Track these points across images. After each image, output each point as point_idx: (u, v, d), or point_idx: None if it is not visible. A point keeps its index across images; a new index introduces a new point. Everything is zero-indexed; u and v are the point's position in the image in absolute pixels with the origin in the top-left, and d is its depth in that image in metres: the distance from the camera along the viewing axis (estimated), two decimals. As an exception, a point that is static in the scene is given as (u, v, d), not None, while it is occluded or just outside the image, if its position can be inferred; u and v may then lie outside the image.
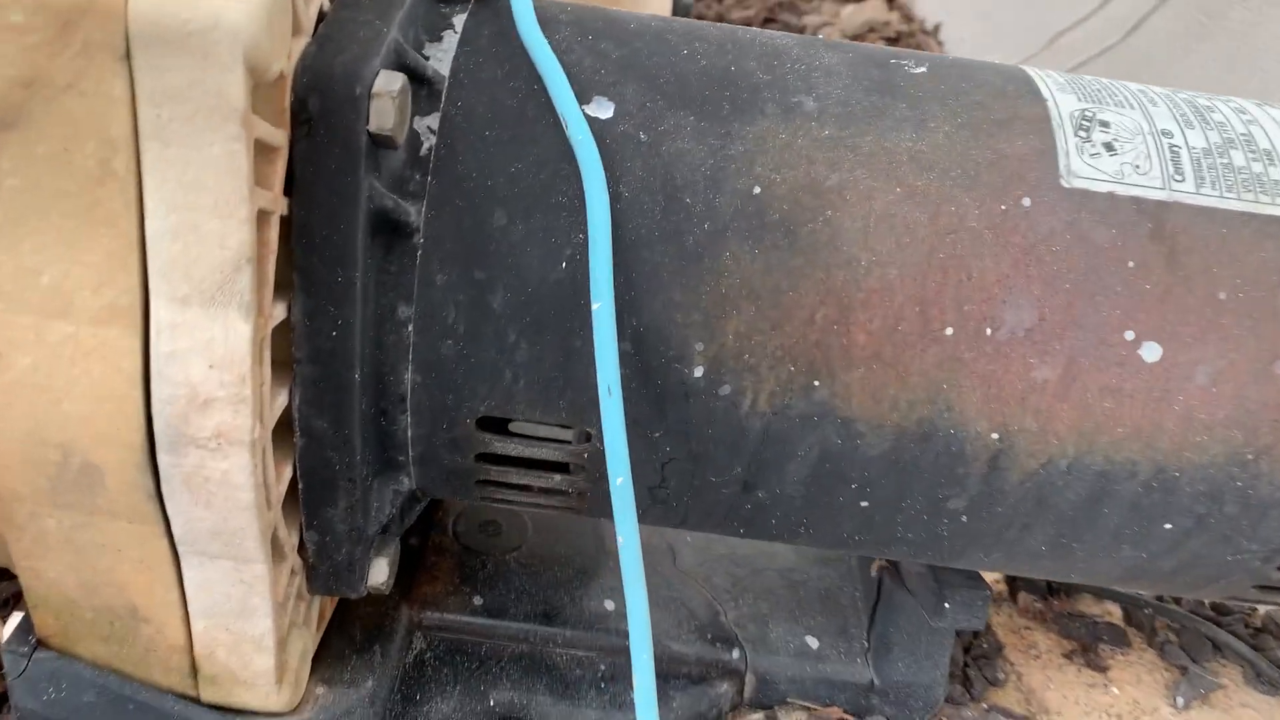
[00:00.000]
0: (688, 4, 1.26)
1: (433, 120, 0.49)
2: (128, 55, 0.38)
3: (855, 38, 1.99)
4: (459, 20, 0.52)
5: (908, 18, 2.12)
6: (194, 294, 0.42)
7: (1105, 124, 0.52)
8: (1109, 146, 0.51)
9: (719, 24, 0.56)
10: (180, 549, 0.48)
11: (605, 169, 0.48)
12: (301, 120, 0.43)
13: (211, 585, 0.50)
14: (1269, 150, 0.52)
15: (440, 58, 0.50)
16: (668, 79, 0.51)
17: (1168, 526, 0.52)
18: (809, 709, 0.66)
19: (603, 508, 0.56)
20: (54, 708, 0.53)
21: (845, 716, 0.66)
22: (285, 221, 0.45)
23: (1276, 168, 0.51)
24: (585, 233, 0.48)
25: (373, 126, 0.43)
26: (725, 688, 0.66)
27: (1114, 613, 0.79)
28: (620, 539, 0.47)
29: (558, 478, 0.54)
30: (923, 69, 0.54)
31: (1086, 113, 0.52)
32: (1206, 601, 0.81)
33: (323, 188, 0.44)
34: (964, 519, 0.53)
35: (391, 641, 0.63)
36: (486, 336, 0.49)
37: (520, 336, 0.49)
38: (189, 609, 0.51)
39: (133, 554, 0.49)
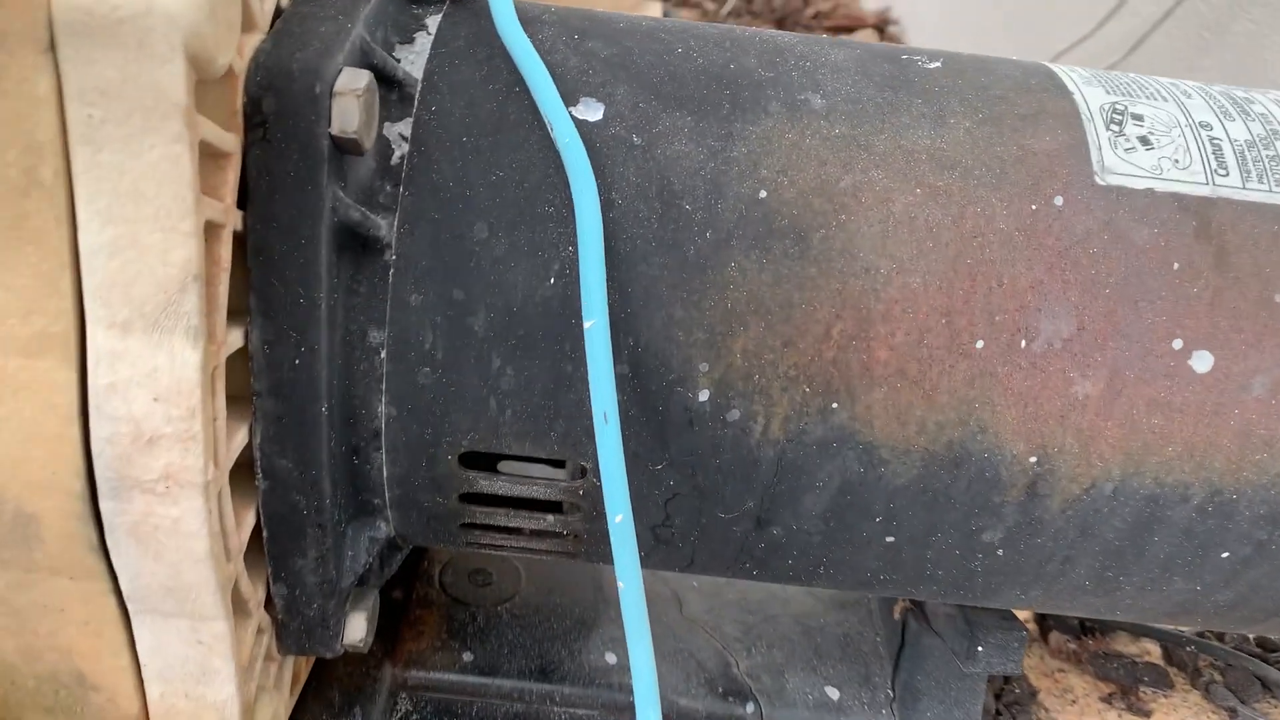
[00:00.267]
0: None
1: (404, 126, 0.44)
2: (52, 47, 0.34)
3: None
4: (433, 21, 0.48)
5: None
6: (135, 318, 0.37)
7: (1139, 117, 0.48)
8: (1144, 140, 0.47)
9: (714, 24, 0.52)
10: (130, 607, 0.43)
11: (596, 175, 0.43)
12: (255, 123, 0.39)
13: (166, 647, 0.44)
14: (1317, 141, 0.48)
15: (412, 60, 0.46)
16: (662, 78, 0.47)
17: (1224, 555, 0.47)
18: (831, 767, 0.60)
19: (601, 550, 0.51)
20: (-5, 790, 0.48)
21: (871, 774, 0.61)
22: (240, 237, 0.40)
23: (1327, 158, 0.47)
24: (575, 245, 0.43)
25: (335, 129, 0.39)
26: (740, 745, 0.60)
27: (1153, 651, 0.74)
28: (621, 584, 0.42)
29: (551, 518, 0.49)
30: (937, 64, 0.50)
31: (1118, 106, 0.48)
32: (1251, 637, 0.75)
33: (281, 198, 0.39)
34: (1000, 553, 0.48)
35: (373, 704, 0.58)
36: (468, 362, 0.44)
37: (505, 361, 0.44)
38: (142, 674, 0.45)
39: (77, 614, 0.43)
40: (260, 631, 0.49)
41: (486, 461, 0.47)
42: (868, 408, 0.45)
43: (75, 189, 0.36)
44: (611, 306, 0.43)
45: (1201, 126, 0.48)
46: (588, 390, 0.43)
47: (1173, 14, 1.22)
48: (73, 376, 0.38)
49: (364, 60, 0.42)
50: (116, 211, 0.36)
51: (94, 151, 0.35)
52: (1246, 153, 0.47)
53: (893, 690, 0.62)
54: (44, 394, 0.38)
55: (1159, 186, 0.45)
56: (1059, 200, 0.45)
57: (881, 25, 2.18)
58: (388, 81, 0.44)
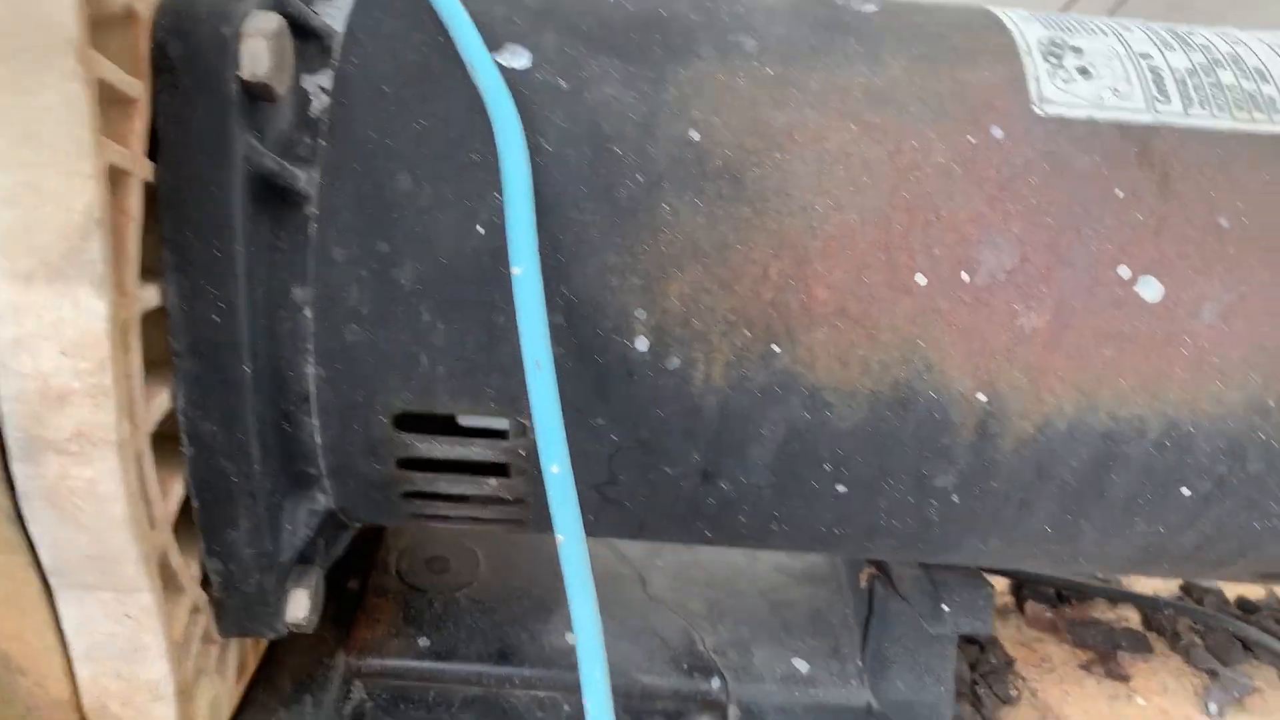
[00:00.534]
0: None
1: (324, 78, 0.43)
2: (-65, -19, 0.33)
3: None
4: (356, -23, 0.47)
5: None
6: (38, 267, 0.36)
7: (1078, 50, 0.47)
8: (1083, 71, 0.46)
9: (646, -26, 0.51)
10: (52, 581, 0.41)
11: (522, 121, 0.42)
12: (162, 68, 0.38)
13: (92, 623, 0.43)
14: (1259, 69, 0.47)
15: (333, 14, 0.45)
16: (590, 24, 0.46)
17: (1185, 492, 0.46)
18: (802, 741, 0.59)
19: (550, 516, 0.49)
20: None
21: (843, 747, 0.59)
22: (152, 190, 0.39)
23: (1269, 85, 0.46)
24: (502, 192, 0.42)
25: (245, 73, 0.38)
26: (706, 722, 0.59)
27: (1132, 618, 0.72)
28: (561, 537, 0.41)
29: (494, 482, 0.47)
30: (872, 7, 0.49)
31: (1056, 39, 0.47)
32: (1232, 599, 0.74)
33: (191, 146, 0.38)
34: (955, 499, 0.46)
35: (325, 692, 0.56)
36: (396, 318, 0.43)
37: (435, 316, 0.43)
38: (70, 653, 0.44)
39: (-3, 591, 0.42)
40: (196, 610, 0.47)
41: (423, 423, 0.46)
42: (809, 350, 0.43)
43: (-32, 134, 0.34)
44: (542, 255, 0.42)
45: (1141, 57, 0.47)
46: (522, 340, 0.41)
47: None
48: (-24, 333, 0.36)
49: (278, 6, 0.41)
50: (12, 156, 0.34)
51: (-15, 93, 0.34)
52: (1188, 80, 0.46)
53: (862, 660, 0.61)
54: (-54, 353, 0.37)
55: (1099, 115, 0.44)
56: (997, 132, 0.44)
57: None
58: (305, 33, 0.43)
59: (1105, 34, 0.48)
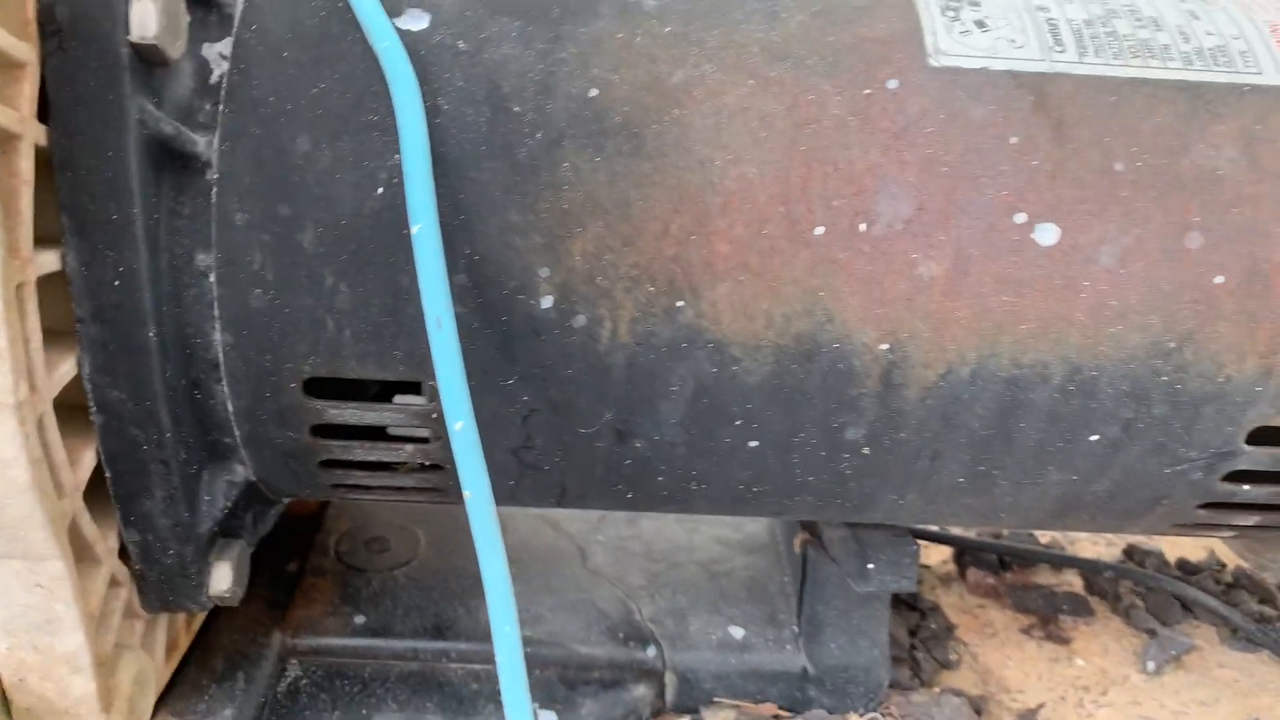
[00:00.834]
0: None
1: (224, 46, 0.44)
2: None
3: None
4: (259, -51, 0.47)
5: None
6: (-76, 230, 0.36)
7: (975, 4, 0.47)
8: (980, 24, 0.46)
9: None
10: (-40, 552, 0.42)
11: (421, 82, 0.43)
12: (50, 31, 0.38)
13: (8, 593, 0.43)
14: (1155, 17, 0.48)
15: (234, -16, 0.45)
16: (491, -11, 0.46)
17: (1094, 438, 0.46)
18: (739, 707, 0.59)
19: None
20: None
21: (780, 713, 0.59)
22: (47, 154, 0.39)
23: (1164, 32, 0.47)
24: (400, 151, 0.42)
25: (134, 35, 0.38)
26: (643, 690, 0.59)
27: (1074, 582, 0.73)
28: (468, 493, 0.41)
29: (410, 448, 0.48)
30: (775, -33, 0.49)
31: (954, -6, 0.48)
32: (1173, 561, 0.74)
33: (83, 110, 0.38)
34: (866, 451, 0.47)
35: (259, 669, 0.56)
36: (300, 282, 0.43)
37: (339, 278, 0.43)
38: (-15, 626, 0.44)
39: (-94, 564, 0.42)
40: (116, 584, 0.47)
41: (335, 389, 0.46)
42: (713, 304, 0.44)
43: None
44: (444, 214, 0.42)
45: (1039, 9, 0.47)
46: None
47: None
48: None
49: (172, -24, 0.41)
50: (-105, 117, 0.35)
51: None
52: (1084, 30, 0.47)
53: (798, 625, 0.61)
54: None
55: (995, 65, 0.45)
56: (893, 84, 0.44)
57: None
58: (207, 2, 0.43)
59: (1005, -11, 0.49)
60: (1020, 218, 0.43)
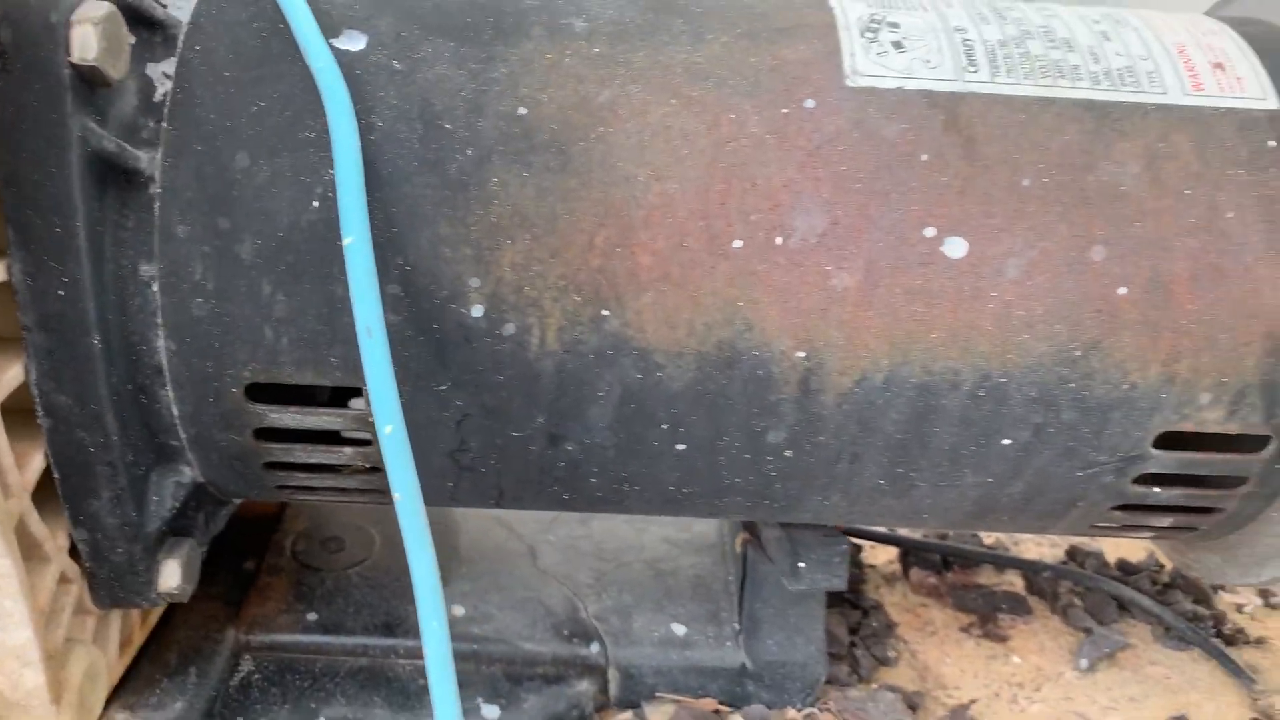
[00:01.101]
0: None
1: (168, 65, 0.46)
2: None
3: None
4: (206, -30, 0.49)
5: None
6: None
7: (895, 25, 0.49)
8: (898, 45, 0.48)
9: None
10: (-86, 548, 0.43)
11: (356, 100, 0.44)
12: (-6, 54, 0.40)
13: (-44, 590, 0.45)
14: (1068, 39, 0.50)
15: (180, 4, 0.47)
16: (427, 10, 0.48)
17: (1006, 442, 0.48)
18: (679, 702, 0.61)
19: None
20: None
21: (720, 708, 0.61)
22: (-9, 171, 0.41)
23: (1075, 53, 0.49)
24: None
25: (75, 57, 0.40)
26: (586, 685, 0.61)
27: (1016, 583, 0.75)
28: (397, 495, 0.43)
29: (349, 451, 0.50)
30: (706, -11, 0.51)
31: (875, 16, 0.50)
32: (1113, 562, 0.76)
33: (27, 128, 0.40)
34: (788, 454, 0.49)
35: (212, 664, 0.58)
36: (239, 291, 0.45)
37: (276, 288, 0.45)
38: (-63, 622, 0.45)
39: None
40: (67, 581, 0.49)
41: (276, 394, 0.48)
42: (638, 313, 0.46)
43: None
44: (378, 227, 0.44)
45: (956, 30, 0.49)
46: (359, 309, 0.43)
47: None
48: None
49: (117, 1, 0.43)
50: None
51: None
52: (998, 51, 0.48)
53: (739, 623, 0.63)
54: None
55: (909, 85, 0.47)
56: (810, 103, 0.46)
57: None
58: (149, 23, 0.45)
59: (926, 10, 0.51)
60: (930, 231, 0.45)
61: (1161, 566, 0.76)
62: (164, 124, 0.45)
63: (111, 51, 0.41)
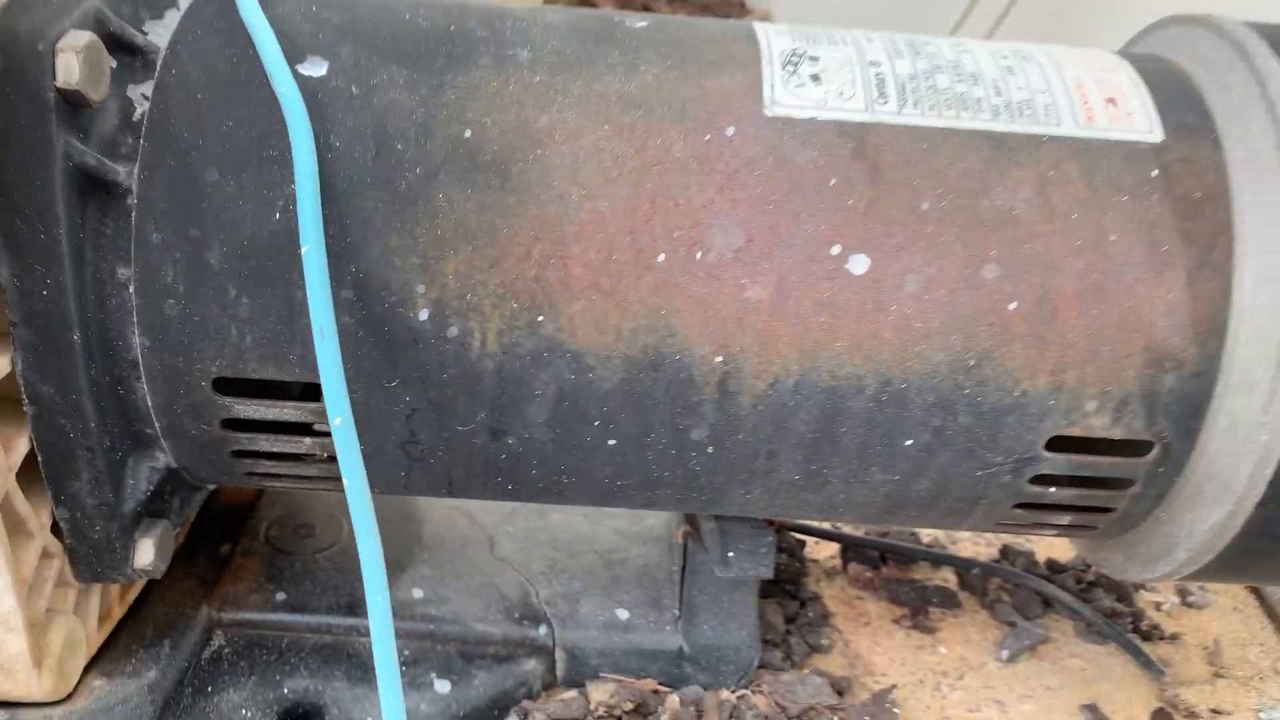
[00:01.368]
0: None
1: (146, 88, 0.50)
2: None
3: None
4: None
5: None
6: (-126, 247, 0.42)
7: (815, 59, 0.54)
8: (815, 78, 0.53)
9: (453, -5, 0.58)
10: (-92, 522, 0.48)
11: (315, 121, 0.49)
12: (-13, 79, 0.44)
13: (-54, 561, 0.49)
14: (974, 73, 0.54)
15: (160, 32, 0.52)
16: (385, 39, 0.53)
17: (909, 443, 0.53)
18: (620, 682, 0.65)
19: (368, 473, 0.56)
20: None
21: (659, 688, 0.66)
22: (-16, 182, 0.46)
23: (979, 87, 0.53)
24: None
25: (60, 82, 0.45)
26: (533, 665, 0.65)
27: (950, 579, 0.79)
28: (346, 481, 0.48)
29: (308, 441, 0.54)
30: (644, 23, 0.56)
31: (797, 50, 0.54)
32: (1042, 561, 0.81)
33: (15, 145, 0.45)
34: (710, 450, 0.53)
35: (185, 638, 0.63)
36: (207, 293, 0.49)
37: (241, 291, 0.49)
38: (-71, 589, 0.50)
39: None
40: (49, 556, 0.54)
41: (242, 388, 0.52)
42: (570, 319, 0.50)
43: None
44: (333, 237, 0.49)
45: (871, 64, 0.54)
46: (316, 312, 0.48)
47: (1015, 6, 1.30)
48: None
49: (100, 28, 0.48)
50: None
51: None
52: (907, 84, 0.53)
53: (679, 610, 0.68)
54: None
55: (822, 115, 0.51)
56: (730, 131, 0.51)
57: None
58: (130, 49, 0.50)
59: (845, 44, 0.55)
60: (836, 249, 0.50)
61: (1088, 566, 0.80)
62: (142, 141, 0.49)
63: (93, 76, 0.46)
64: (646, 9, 2.54)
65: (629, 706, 0.63)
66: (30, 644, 0.52)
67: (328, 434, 0.53)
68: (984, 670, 0.70)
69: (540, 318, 0.50)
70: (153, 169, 0.49)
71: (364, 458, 0.48)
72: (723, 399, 0.51)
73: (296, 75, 0.50)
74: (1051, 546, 0.83)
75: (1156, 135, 0.52)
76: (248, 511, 0.73)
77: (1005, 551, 0.81)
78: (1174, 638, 0.75)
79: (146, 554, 0.56)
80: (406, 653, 0.65)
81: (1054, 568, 0.80)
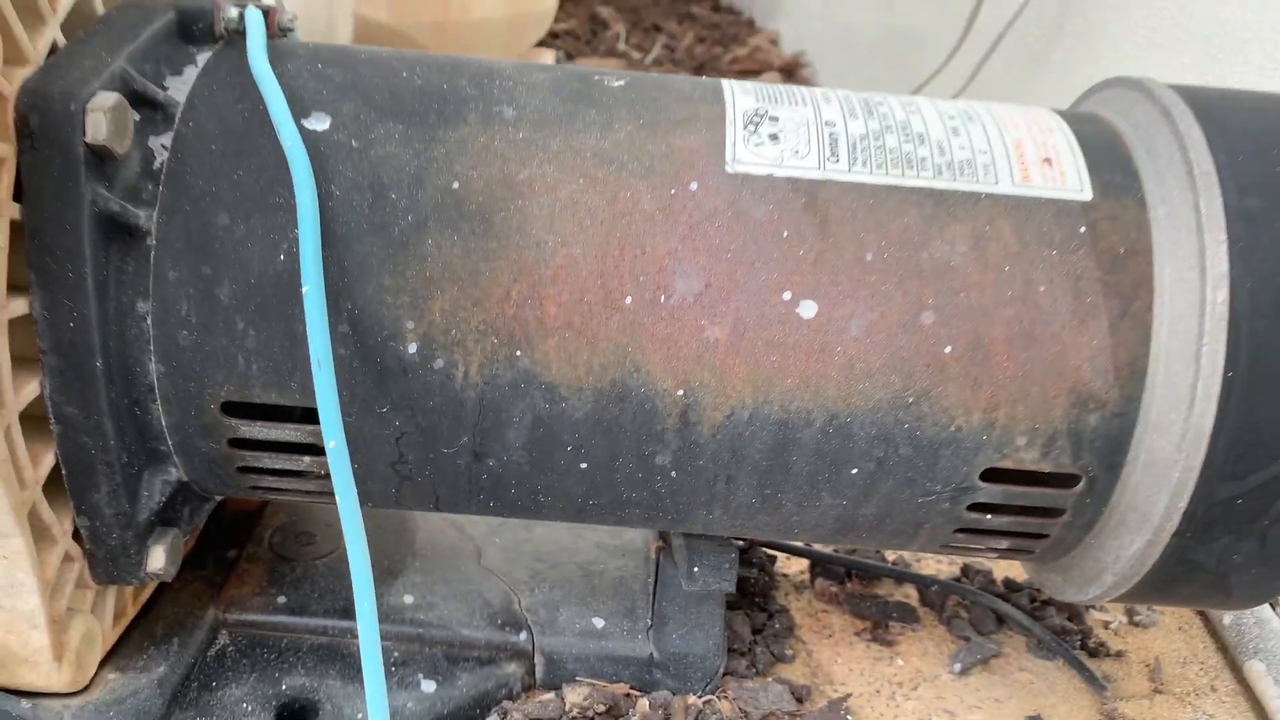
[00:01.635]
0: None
1: (166, 139, 0.55)
2: None
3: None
4: (203, 57, 0.59)
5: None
6: (-77, 285, 0.48)
7: (775, 119, 0.59)
8: (774, 137, 0.58)
9: (445, 54, 0.63)
10: (-55, 528, 0.53)
11: (317, 172, 0.54)
12: (24, 134, 0.50)
13: (-20, 564, 0.55)
14: (921, 133, 0.59)
15: (179, 87, 0.57)
16: (384, 96, 0.58)
17: (854, 471, 0.57)
18: (594, 685, 0.70)
19: (361, 489, 0.61)
20: None
21: (631, 692, 0.71)
22: (19, 225, 0.51)
23: (925, 146, 0.58)
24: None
25: (89, 138, 0.50)
26: (514, 668, 0.70)
27: (912, 595, 0.84)
28: (339, 498, 0.53)
29: (307, 459, 0.59)
30: (621, 82, 0.61)
31: (759, 110, 0.59)
32: (1000, 580, 0.85)
33: (48, 194, 0.50)
34: (674, 474, 0.58)
35: (192, 636, 0.68)
36: (217, 326, 0.55)
37: (248, 324, 0.55)
38: (-36, 589, 0.55)
39: (-98, 536, 0.54)
40: (70, 559, 0.59)
41: (248, 411, 0.57)
42: (545, 354, 0.55)
43: None
44: (331, 277, 0.54)
45: (826, 124, 0.59)
46: (315, 345, 0.53)
47: (999, 47, 1.35)
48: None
49: (125, 88, 0.53)
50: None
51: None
52: (858, 144, 0.58)
53: (651, 619, 0.72)
54: None
55: (778, 172, 0.56)
56: (694, 185, 0.56)
57: (790, 69, 2.31)
58: (151, 104, 0.55)
59: (805, 105, 0.60)
60: (787, 295, 0.55)
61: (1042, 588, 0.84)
62: (161, 188, 0.55)
63: (118, 133, 0.51)
64: (656, 28, 2.60)
65: (602, 709, 0.68)
66: (52, 640, 0.58)
67: (323, 453, 0.58)
68: (937, 682, 0.75)
69: (518, 352, 0.55)
70: (170, 213, 0.54)
71: (357, 475, 0.54)
72: (684, 428, 0.56)
73: (301, 129, 0.55)
74: (1010, 567, 0.87)
75: (1086, 194, 0.57)
76: (253, 520, 0.78)
77: (966, 570, 0.86)
78: (1119, 655, 0.79)
79: (158, 559, 0.61)
80: (396, 654, 0.70)
81: (1010, 586, 0.84)
